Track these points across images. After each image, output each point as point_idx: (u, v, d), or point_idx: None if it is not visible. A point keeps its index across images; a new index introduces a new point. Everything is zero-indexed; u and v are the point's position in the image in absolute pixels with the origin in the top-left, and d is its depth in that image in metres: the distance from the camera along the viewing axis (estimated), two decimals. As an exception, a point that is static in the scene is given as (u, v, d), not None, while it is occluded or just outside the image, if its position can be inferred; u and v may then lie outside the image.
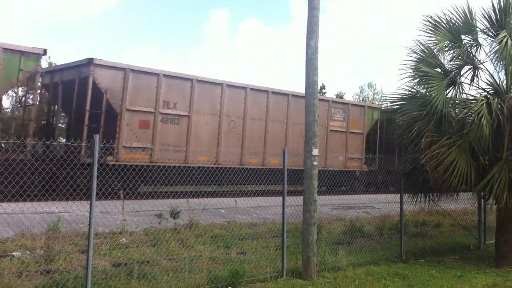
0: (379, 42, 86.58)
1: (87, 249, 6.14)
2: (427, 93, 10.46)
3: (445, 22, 10.82)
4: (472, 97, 10.61)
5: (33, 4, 79.35)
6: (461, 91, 10.78)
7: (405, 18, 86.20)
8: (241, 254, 9.56)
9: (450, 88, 10.70)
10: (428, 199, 11.37)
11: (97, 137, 6.28)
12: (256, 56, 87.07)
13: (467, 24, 10.78)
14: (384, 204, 12.72)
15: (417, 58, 10.93)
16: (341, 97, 47.46)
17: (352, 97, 56.73)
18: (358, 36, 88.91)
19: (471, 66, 10.84)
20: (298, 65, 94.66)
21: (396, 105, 11.43)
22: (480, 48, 10.98)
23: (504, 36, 9.88)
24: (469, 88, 10.95)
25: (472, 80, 10.85)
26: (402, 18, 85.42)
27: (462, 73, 10.92)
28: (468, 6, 10.75)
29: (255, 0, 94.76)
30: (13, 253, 8.30)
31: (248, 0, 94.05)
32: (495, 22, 10.66)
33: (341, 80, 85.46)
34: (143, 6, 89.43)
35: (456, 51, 10.86)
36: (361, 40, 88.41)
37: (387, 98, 14.05)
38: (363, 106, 25.96)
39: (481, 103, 9.60)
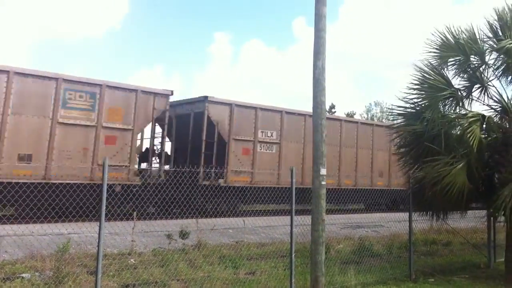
0: (386, 60, 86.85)
1: (96, 270, 6.17)
2: (428, 112, 10.45)
3: (449, 42, 10.89)
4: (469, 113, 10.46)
5: (36, 27, 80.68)
6: (469, 107, 10.84)
7: (411, 36, 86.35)
8: (250, 274, 9.52)
9: (453, 105, 10.75)
10: (436, 217, 11.32)
11: (106, 159, 6.35)
12: (260, 76, 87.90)
13: (473, 43, 10.80)
14: (394, 222, 12.66)
15: (422, 77, 10.93)
16: (351, 117, 47.83)
17: (361, 115, 56.94)
18: (364, 54, 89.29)
19: (480, 86, 10.88)
20: (301, 85, 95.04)
21: (401, 120, 11.50)
22: (488, 68, 11.01)
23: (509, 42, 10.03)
24: (479, 105, 11.03)
25: (483, 99, 10.90)
26: (408, 36, 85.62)
27: (472, 91, 10.95)
28: (472, 28, 10.91)
29: (258, 23, 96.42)
30: (23, 275, 8.33)
31: (250, 22, 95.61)
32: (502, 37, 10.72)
33: (349, 98, 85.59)
34: (147, 29, 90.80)
35: (461, 70, 10.92)
36: (368, 57, 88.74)
37: (390, 113, 14.15)
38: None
39: (472, 119, 9.62)
